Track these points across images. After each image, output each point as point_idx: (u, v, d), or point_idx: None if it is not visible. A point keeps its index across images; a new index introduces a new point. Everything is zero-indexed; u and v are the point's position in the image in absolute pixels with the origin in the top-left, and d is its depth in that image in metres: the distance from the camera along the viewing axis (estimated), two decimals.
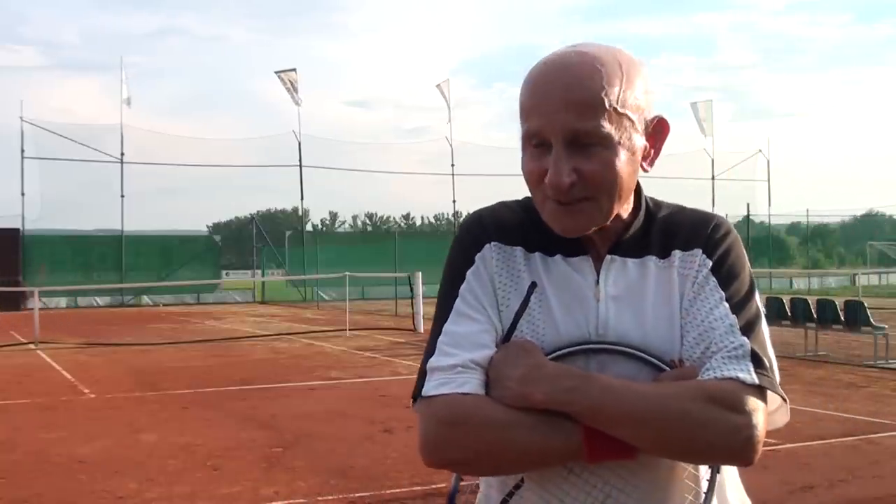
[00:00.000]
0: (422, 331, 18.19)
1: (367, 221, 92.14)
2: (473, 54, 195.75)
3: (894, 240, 50.12)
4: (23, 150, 31.39)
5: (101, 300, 32.02)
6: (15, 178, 31.37)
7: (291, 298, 34.99)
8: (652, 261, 1.32)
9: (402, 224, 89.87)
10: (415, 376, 1.33)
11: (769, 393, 1.23)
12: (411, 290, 19.73)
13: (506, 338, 1.30)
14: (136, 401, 9.82)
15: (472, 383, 1.24)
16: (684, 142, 39.30)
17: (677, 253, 1.32)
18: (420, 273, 19.30)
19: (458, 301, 1.31)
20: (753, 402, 1.19)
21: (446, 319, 1.31)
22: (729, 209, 36.48)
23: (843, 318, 12.21)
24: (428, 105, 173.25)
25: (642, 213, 1.35)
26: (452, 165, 37.94)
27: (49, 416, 8.82)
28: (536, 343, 1.28)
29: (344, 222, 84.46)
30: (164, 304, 32.00)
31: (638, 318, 1.29)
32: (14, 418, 8.80)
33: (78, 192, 35.30)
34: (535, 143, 1.27)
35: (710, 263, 1.30)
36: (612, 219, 1.30)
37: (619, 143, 1.25)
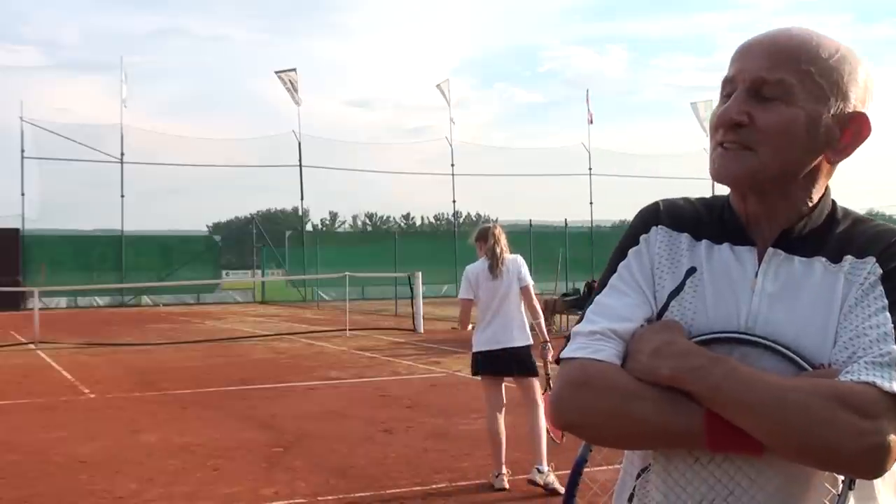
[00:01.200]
0: (422, 331, 18.18)
1: (367, 221, 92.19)
2: (474, 54, 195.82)
3: None
4: (23, 150, 31.45)
5: (101, 300, 32.04)
6: (15, 178, 31.48)
7: (291, 298, 34.98)
8: (820, 262, 1.27)
9: (402, 224, 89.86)
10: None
11: None
12: (411, 290, 19.72)
13: (658, 318, 1.31)
14: (136, 401, 9.82)
15: (606, 351, 1.26)
16: (684, 142, 39.36)
17: (849, 258, 1.26)
18: (420, 273, 19.31)
19: (614, 276, 1.35)
20: (885, 412, 1.12)
21: (601, 292, 1.35)
22: None
23: None
24: (428, 105, 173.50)
25: (824, 212, 1.31)
26: (452, 165, 37.99)
27: (49, 416, 8.83)
28: (684, 326, 1.27)
29: (344, 222, 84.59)
30: (164, 304, 32.01)
31: (791, 317, 1.25)
32: (14, 418, 8.80)
33: (78, 192, 35.45)
34: (727, 93, 1.29)
35: (881, 272, 1.23)
36: (784, 203, 1.28)
37: (803, 107, 1.23)
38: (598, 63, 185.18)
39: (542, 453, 5.65)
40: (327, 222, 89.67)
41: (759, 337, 1.24)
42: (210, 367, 12.80)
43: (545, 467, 5.61)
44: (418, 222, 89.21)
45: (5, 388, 10.65)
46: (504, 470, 5.74)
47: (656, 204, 1.41)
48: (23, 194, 31.38)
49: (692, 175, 38.29)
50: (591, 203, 39.14)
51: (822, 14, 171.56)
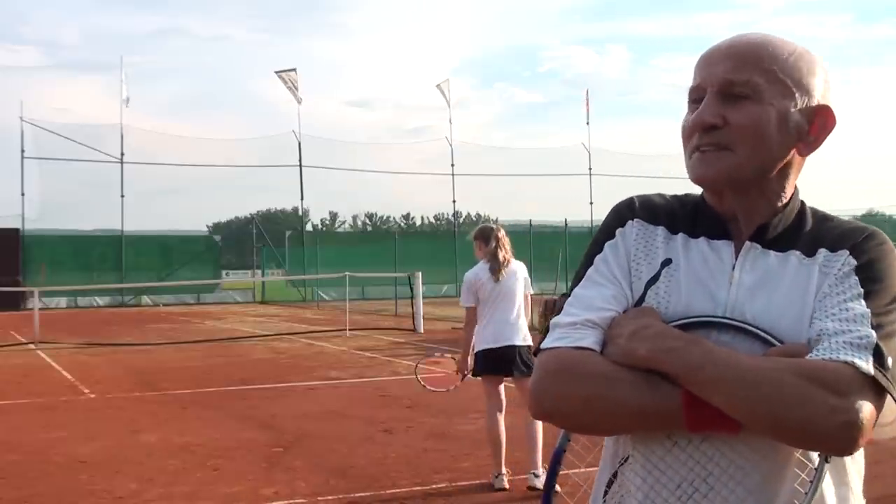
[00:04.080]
0: (422, 331, 18.19)
1: (367, 221, 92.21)
2: (474, 54, 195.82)
3: (894, 240, 50.13)
4: (23, 150, 31.46)
5: (101, 300, 32.05)
6: (15, 178, 31.49)
7: (291, 298, 34.98)
8: (795, 255, 1.31)
9: (402, 224, 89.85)
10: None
11: (888, 402, 1.19)
12: (411, 290, 19.72)
13: (635, 307, 1.33)
14: (136, 401, 9.82)
15: (588, 339, 1.27)
16: None
17: (823, 251, 1.30)
18: (420, 273, 19.30)
19: (591, 269, 1.37)
20: (858, 391, 1.15)
21: (578, 284, 1.38)
22: None
23: None
24: (428, 105, 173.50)
25: (795, 208, 1.35)
26: (452, 165, 38.01)
27: (49, 416, 8.82)
28: (660, 313, 1.30)
29: (344, 222, 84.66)
30: (164, 304, 32.01)
31: (769, 306, 1.28)
32: (14, 418, 8.80)
33: (78, 192, 35.38)
34: (694, 99, 1.33)
35: (855, 263, 1.28)
36: (762, 199, 1.32)
37: (772, 104, 1.28)
38: (598, 63, 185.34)
39: (538, 457, 5.64)
40: (327, 222, 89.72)
41: (739, 321, 1.27)
42: (210, 367, 12.80)
43: (540, 471, 5.61)
44: (418, 222, 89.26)
45: (5, 388, 10.65)
46: (504, 470, 5.74)
47: (631, 199, 1.43)
48: (23, 194, 31.41)
49: None
50: (591, 203, 39.18)
51: (822, 14, 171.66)
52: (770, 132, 1.28)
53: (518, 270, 5.90)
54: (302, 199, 36.49)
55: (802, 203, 1.37)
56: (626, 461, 1.32)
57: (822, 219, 1.36)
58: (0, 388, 10.63)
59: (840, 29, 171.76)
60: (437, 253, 35.27)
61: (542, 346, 1.31)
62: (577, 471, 1.41)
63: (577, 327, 1.29)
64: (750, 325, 1.26)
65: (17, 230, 30.97)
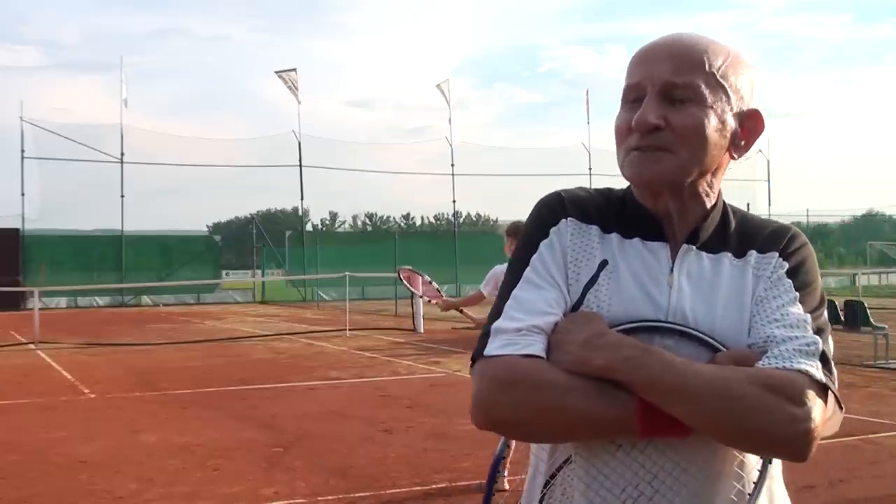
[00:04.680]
0: (422, 331, 18.18)
1: (367, 221, 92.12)
2: (474, 54, 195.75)
3: (894, 240, 50.15)
4: (23, 150, 31.43)
5: (101, 300, 32.03)
6: (15, 178, 31.45)
7: (291, 298, 34.98)
8: (727, 257, 1.33)
9: (402, 224, 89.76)
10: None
11: (829, 400, 1.23)
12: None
13: (573, 310, 1.31)
14: (136, 401, 9.83)
15: (535, 346, 1.25)
16: None
17: (753, 253, 1.33)
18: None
19: (528, 270, 1.33)
20: (814, 398, 1.19)
21: (515, 286, 1.33)
22: None
23: (843, 317, 12.18)
24: (428, 105, 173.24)
25: (720, 210, 1.37)
26: (452, 165, 37.95)
27: (49, 416, 8.82)
28: (602, 316, 1.28)
29: (344, 222, 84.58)
30: (164, 304, 31.99)
31: (708, 308, 1.29)
32: (14, 418, 8.80)
33: (78, 192, 35.36)
34: (631, 98, 1.31)
35: (787, 266, 1.31)
36: (693, 201, 1.33)
37: (712, 107, 1.29)
38: (598, 63, 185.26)
39: None
40: (327, 222, 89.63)
41: (683, 325, 1.28)
42: (210, 367, 12.80)
43: None
44: (418, 222, 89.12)
45: (5, 388, 10.64)
46: (504, 471, 5.74)
47: (558, 194, 1.41)
48: (23, 194, 31.38)
49: None
50: None
51: (822, 14, 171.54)
52: (709, 136, 1.28)
53: None
54: (302, 199, 36.52)
55: (724, 203, 1.39)
56: (565, 465, 1.31)
57: (742, 218, 1.39)
58: (0, 388, 10.63)
59: (840, 29, 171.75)
60: (437, 253, 35.19)
61: (487, 352, 1.27)
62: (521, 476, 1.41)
63: (522, 333, 1.26)
64: (694, 329, 1.27)
65: (17, 230, 30.95)
